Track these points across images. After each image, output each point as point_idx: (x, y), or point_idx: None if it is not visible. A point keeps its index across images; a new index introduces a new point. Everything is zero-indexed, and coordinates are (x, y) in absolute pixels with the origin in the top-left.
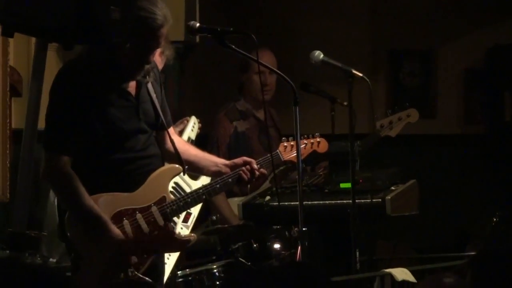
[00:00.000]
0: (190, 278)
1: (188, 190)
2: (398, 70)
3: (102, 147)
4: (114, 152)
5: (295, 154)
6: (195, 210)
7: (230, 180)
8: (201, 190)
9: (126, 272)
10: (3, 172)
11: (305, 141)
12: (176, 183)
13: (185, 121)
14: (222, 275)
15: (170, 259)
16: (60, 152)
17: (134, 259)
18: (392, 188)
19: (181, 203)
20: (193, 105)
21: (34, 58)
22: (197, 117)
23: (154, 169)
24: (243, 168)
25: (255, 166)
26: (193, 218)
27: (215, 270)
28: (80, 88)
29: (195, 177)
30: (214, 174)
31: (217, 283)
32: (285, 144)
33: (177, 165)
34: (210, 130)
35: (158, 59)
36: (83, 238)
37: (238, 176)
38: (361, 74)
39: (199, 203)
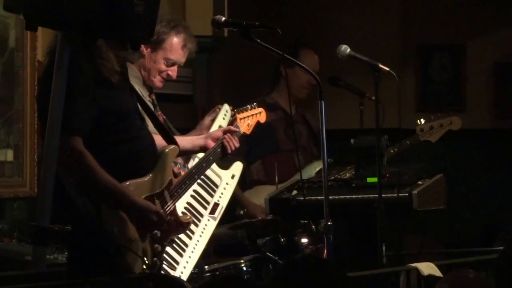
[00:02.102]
0: (217, 272)
1: (218, 181)
2: (427, 64)
3: (108, 127)
4: (120, 132)
5: (250, 126)
6: (223, 201)
7: (219, 150)
8: (194, 170)
9: (152, 260)
10: (31, 166)
11: (249, 113)
12: (205, 175)
13: (217, 110)
14: (250, 269)
15: (195, 253)
16: (74, 133)
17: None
18: (419, 182)
19: (183, 186)
20: (221, 99)
21: (58, 51)
22: None
23: (152, 148)
24: (226, 136)
25: (233, 128)
26: (220, 209)
27: (242, 265)
28: (85, 68)
29: (225, 167)
30: (202, 150)
31: (245, 277)
32: (240, 116)
33: (173, 146)
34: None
35: (181, 52)
36: (122, 223)
37: (222, 144)
38: (387, 68)
39: (195, 181)
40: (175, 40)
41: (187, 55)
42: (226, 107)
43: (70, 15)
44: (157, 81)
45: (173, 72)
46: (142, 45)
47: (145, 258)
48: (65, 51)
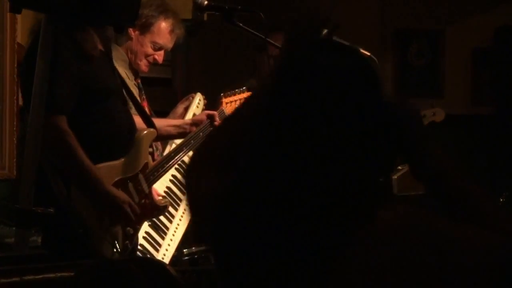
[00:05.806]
0: (196, 256)
1: None
2: (405, 49)
3: (88, 106)
4: (99, 112)
5: None
6: None
7: (201, 134)
8: (173, 153)
9: (123, 244)
10: (10, 149)
11: (236, 97)
12: (182, 160)
13: (191, 98)
14: None
15: (176, 236)
16: (59, 112)
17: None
18: (399, 167)
19: (161, 169)
20: (201, 83)
21: (41, 33)
22: (204, 95)
23: (131, 131)
24: (215, 119)
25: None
26: None
27: None
28: (67, 45)
29: None
30: (181, 136)
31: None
32: (226, 101)
33: (152, 129)
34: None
35: (168, 37)
36: (91, 207)
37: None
38: (368, 53)
39: (174, 165)
40: (163, 25)
41: (174, 40)
42: (199, 96)
43: None
44: (143, 64)
45: (159, 56)
46: (130, 28)
47: (116, 242)
48: (49, 34)
